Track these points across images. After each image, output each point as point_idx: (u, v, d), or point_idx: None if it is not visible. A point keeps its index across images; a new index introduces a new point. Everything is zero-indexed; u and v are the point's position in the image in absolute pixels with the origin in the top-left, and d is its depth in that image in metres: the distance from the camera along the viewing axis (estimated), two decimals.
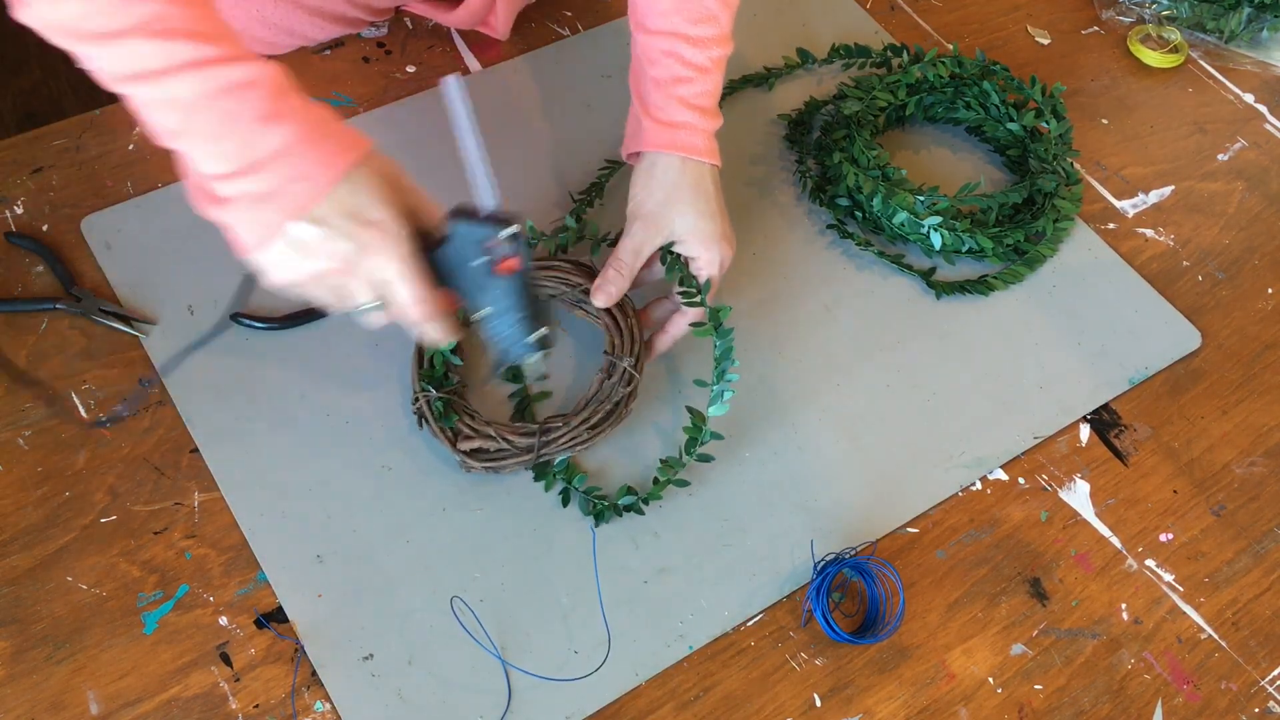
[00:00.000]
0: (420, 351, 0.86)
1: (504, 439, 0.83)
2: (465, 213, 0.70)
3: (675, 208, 0.85)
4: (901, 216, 0.99)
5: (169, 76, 0.63)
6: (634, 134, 0.89)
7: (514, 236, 0.70)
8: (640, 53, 0.88)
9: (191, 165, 0.67)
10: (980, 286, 0.99)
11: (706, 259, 0.86)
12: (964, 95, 1.09)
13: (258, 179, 0.66)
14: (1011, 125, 1.07)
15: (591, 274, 0.89)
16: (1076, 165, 1.09)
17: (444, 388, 0.85)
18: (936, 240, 0.99)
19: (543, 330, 0.74)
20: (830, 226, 1.01)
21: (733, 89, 1.09)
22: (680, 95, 0.86)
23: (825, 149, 1.04)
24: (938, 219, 0.98)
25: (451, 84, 0.69)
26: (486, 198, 0.70)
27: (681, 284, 0.86)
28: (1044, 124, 1.06)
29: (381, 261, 0.69)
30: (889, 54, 1.12)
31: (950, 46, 1.17)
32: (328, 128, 0.67)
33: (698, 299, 0.85)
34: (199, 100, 0.64)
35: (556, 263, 0.90)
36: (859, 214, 1.01)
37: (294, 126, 0.66)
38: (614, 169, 1.00)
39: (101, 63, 0.64)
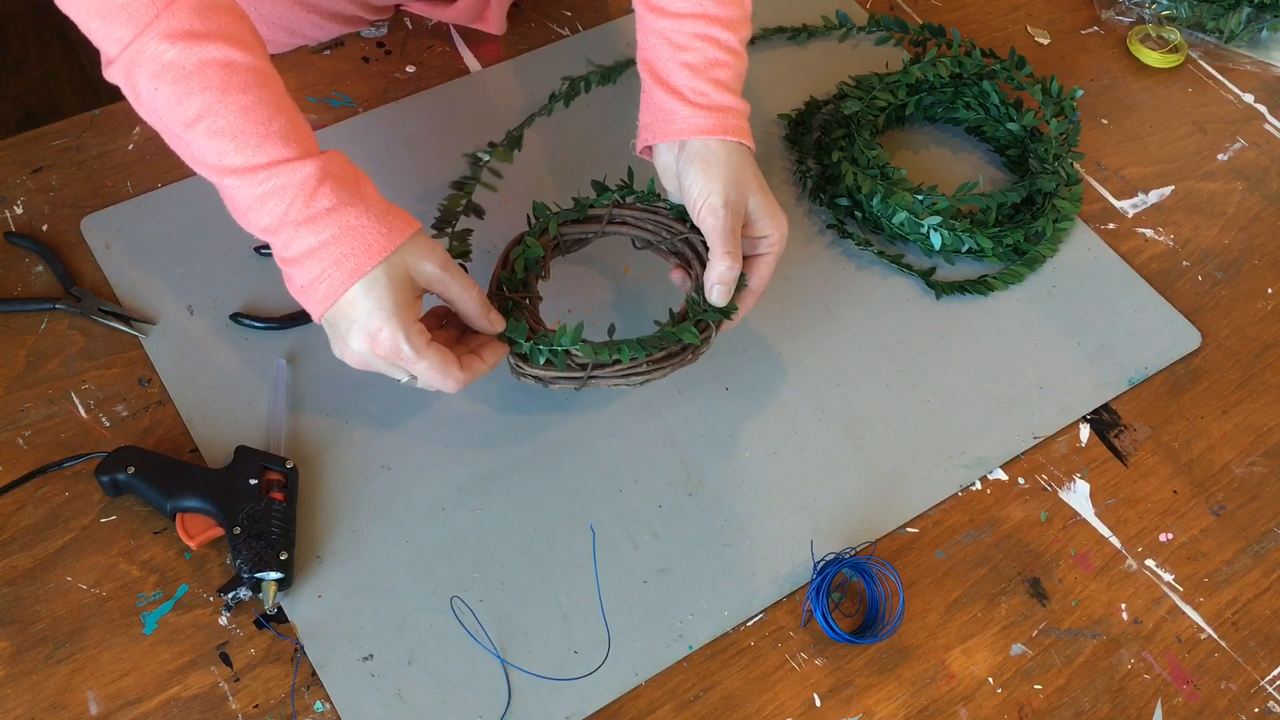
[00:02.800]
0: (506, 253, 0.85)
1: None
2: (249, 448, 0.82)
3: (746, 189, 0.84)
4: (901, 216, 0.99)
5: (224, 175, 0.73)
6: (661, 121, 0.85)
7: (293, 471, 0.82)
8: (661, 37, 0.85)
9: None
10: (980, 286, 0.99)
11: (779, 235, 0.85)
12: (964, 95, 1.09)
13: (298, 271, 0.75)
14: (1011, 125, 1.07)
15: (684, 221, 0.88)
16: (1076, 165, 1.09)
17: (519, 292, 0.84)
18: (936, 240, 0.99)
19: (284, 557, 0.78)
20: (830, 226, 1.01)
21: (765, 37, 1.12)
22: (718, 79, 0.84)
23: (824, 149, 1.04)
24: (937, 219, 0.98)
25: (280, 366, 0.86)
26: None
27: (697, 313, 0.84)
28: (1045, 123, 1.06)
29: (388, 360, 0.76)
30: (926, 33, 1.13)
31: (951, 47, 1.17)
32: (355, 230, 0.74)
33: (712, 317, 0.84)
34: (248, 199, 0.73)
35: (659, 206, 0.89)
36: (859, 214, 1.01)
37: (321, 231, 0.73)
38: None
39: (183, 150, 0.74)
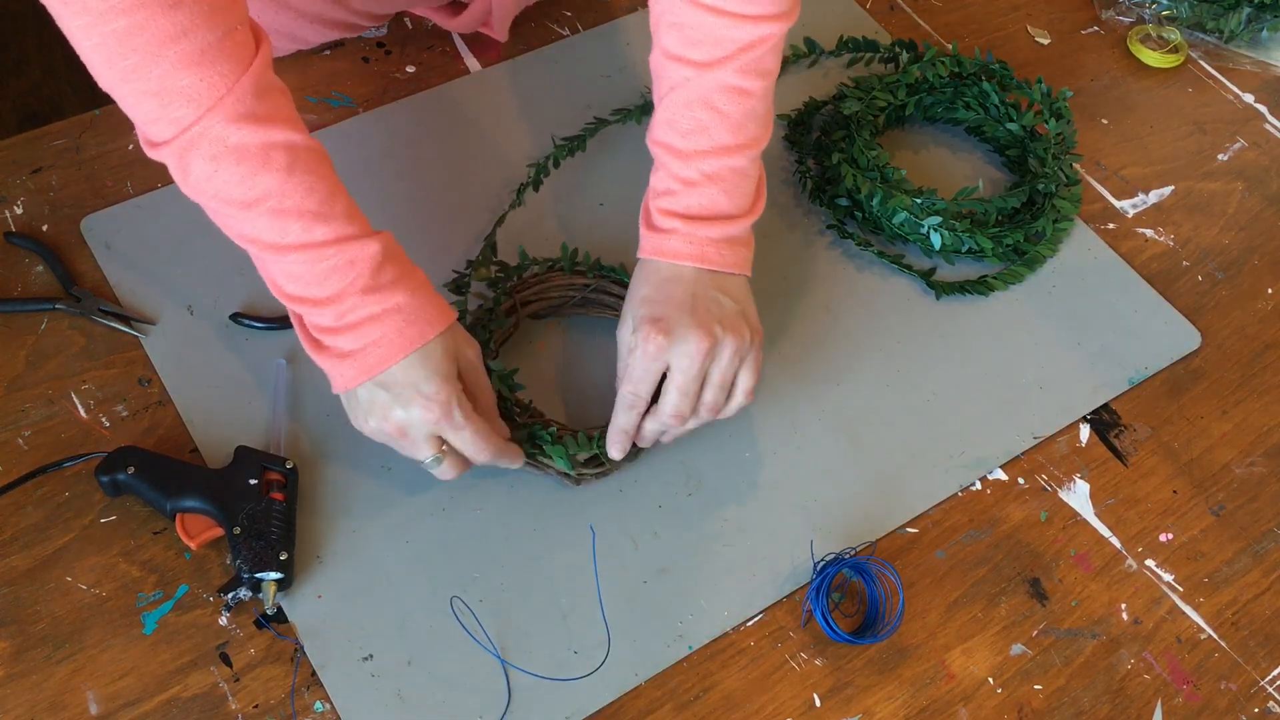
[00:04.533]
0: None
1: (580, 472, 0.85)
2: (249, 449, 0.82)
3: (634, 299, 0.83)
4: (901, 216, 0.99)
5: (285, 252, 0.74)
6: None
7: (291, 471, 0.82)
8: (652, 156, 0.86)
9: (303, 315, 0.78)
10: (980, 287, 0.99)
11: (639, 350, 0.81)
12: (964, 95, 1.09)
13: (347, 338, 0.76)
14: (1011, 125, 1.07)
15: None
16: (1076, 166, 1.09)
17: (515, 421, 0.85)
18: (936, 240, 0.99)
19: (284, 557, 0.78)
20: (830, 227, 1.01)
21: None
22: (665, 207, 0.84)
23: (824, 149, 1.04)
24: (937, 219, 0.98)
25: (280, 366, 0.86)
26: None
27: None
28: (1044, 124, 1.06)
29: (430, 428, 0.77)
30: (896, 49, 1.12)
31: (950, 46, 1.17)
32: (416, 304, 0.76)
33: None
34: (309, 273, 0.74)
35: (611, 285, 0.92)
36: (859, 214, 1.01)
37: (387, 300, 0.75)
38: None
39: (235, 227, 0.75)
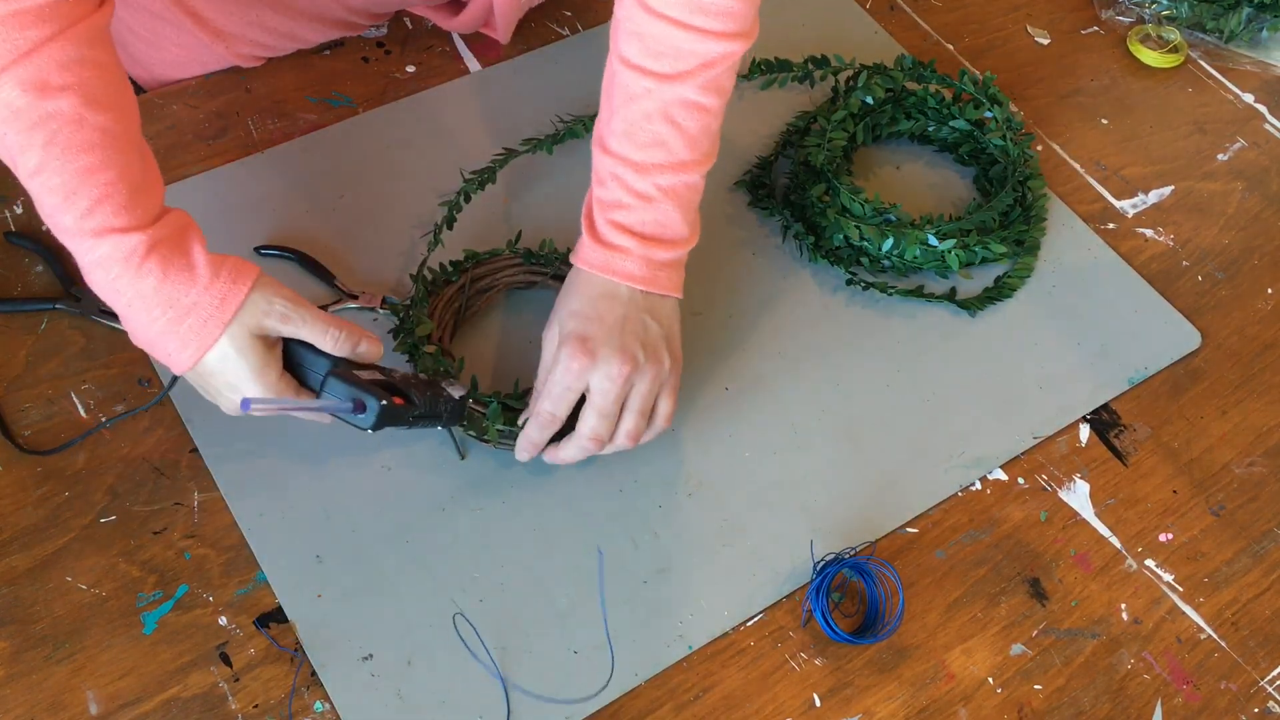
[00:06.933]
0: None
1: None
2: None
3: (563, 309, 0.82)
4: (914, 250, 0.97)
5: (60, 234, 0.72)
6: (577, 247, 0.85)
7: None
8: (594, 169, 0.85)
9: None
10: (1004, 291, 0.99)
11: (561, 368, 0.80)
12: (903, 105, 1.07)
13: (135, 332, 0.74)
14: (956, 123, 1.06)
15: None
16: (1069, 159, 1.09)
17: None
18: (954, 261, 0.98)
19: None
20: (850, 282, 0.98)
21: None
22: (616, 220, 0.82)
23: (795, 206, 1.01)
24: (952, 241, 0.97)
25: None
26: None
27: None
28: (985, 114, 1.05)
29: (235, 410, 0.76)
30: (810, 66, 1.10)
31: (950, 47, 1.17)
32: (187, 311, 0.72)
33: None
34: (84, 261, 0.72)
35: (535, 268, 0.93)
36: (864, 260, 0.99)
37: (152, 310, 0.72)
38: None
39: (34, 199, 0.72)
